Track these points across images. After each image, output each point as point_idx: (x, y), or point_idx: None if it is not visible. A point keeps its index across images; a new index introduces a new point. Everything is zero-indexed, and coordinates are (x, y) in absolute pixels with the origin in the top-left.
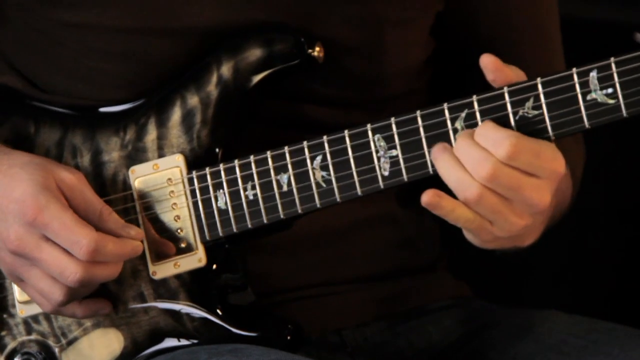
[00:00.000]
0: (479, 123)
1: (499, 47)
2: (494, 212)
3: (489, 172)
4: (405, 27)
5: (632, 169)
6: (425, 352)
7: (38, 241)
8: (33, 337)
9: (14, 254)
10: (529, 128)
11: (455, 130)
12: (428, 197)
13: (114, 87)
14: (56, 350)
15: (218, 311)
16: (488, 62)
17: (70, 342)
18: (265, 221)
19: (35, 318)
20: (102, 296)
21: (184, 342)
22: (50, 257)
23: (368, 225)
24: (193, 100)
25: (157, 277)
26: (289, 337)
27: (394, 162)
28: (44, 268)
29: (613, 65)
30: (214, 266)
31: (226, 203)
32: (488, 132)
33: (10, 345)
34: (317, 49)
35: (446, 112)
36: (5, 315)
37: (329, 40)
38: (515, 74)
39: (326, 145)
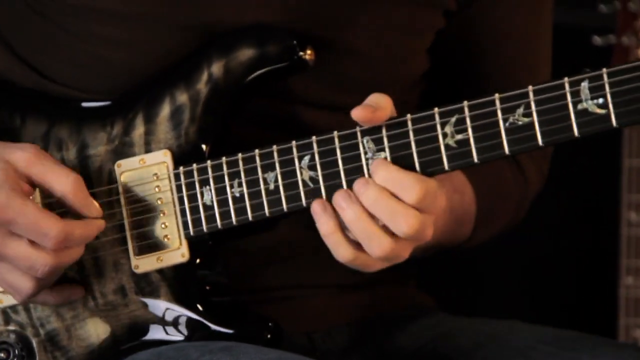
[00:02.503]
0: (469, 128)
1: (488, 71)
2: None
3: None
4: (408, 35)
5: (581, 177)
6: (393, 357)
7: (3, 238)
8: (11, 327)
9: None
10: (519, 135)
11: (444, 135)
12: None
13: (112, 77)
14: (34, 341)
15: (198, 307)
16: (359, 116)
17: (48, 334)
18: (250, 219)
19: (14, 308)
20: (82, 286)
21: (165, 337)
22: (18, 252)
23: None
24: (182, 97)
25: (139, 271)
26: (269, 336)
27: None
28: (14, 263)
29: (605, 76)
30: (197, 262)
31: (212, 199)
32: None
33: None
34: (309, 52)
35: (436, 116)
36: None
37: (328, 42)
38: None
39: (315, 145)
